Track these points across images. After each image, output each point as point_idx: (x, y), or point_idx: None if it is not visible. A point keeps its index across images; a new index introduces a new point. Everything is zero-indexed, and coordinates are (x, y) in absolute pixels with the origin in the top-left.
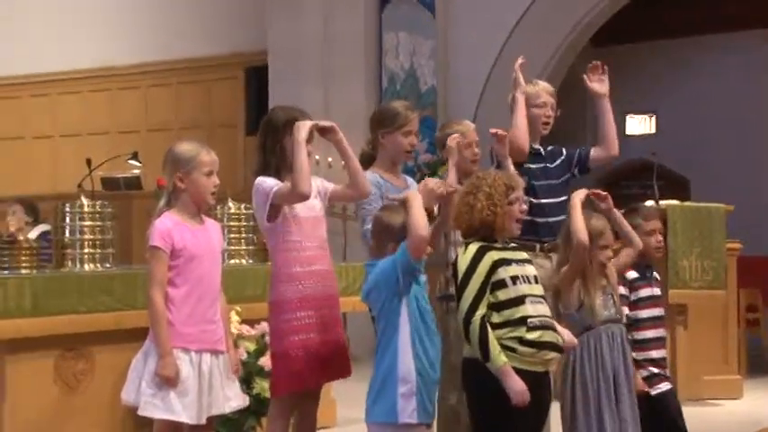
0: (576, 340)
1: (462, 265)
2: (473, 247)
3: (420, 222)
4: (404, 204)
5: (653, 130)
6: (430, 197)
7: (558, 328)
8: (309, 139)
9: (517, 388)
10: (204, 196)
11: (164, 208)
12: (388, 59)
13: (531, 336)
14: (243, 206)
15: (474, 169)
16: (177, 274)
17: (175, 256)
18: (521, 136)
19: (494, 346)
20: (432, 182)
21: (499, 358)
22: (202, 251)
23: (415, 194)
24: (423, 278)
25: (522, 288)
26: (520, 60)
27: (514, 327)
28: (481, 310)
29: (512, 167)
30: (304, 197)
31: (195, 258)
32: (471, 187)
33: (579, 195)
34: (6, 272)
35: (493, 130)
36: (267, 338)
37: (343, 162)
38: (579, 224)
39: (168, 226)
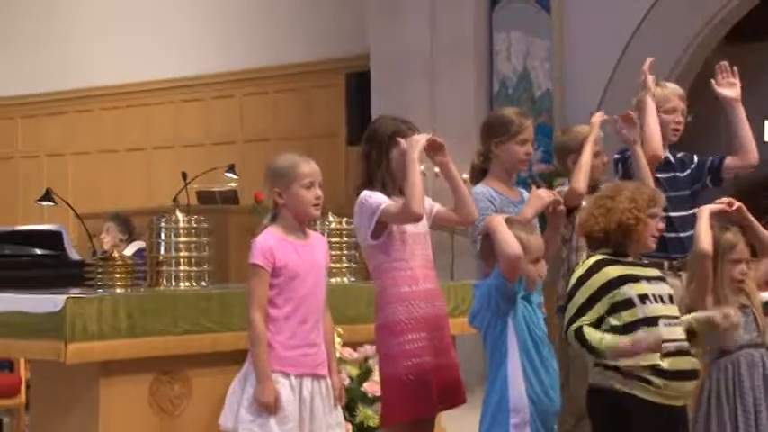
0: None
1: (575, 276)
2: (591, 260)
3: (507, 241)
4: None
5: None
6: (538, 205)
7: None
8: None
9: (651, 339)
10: (305, 210)
11: (267, 224)
12: (499, 62)
13: (667, 363)
14: (344, 221)
15: (601, 179)
16: (279, 294)
17: (277, 274)
18: (654, 142)
19: (594, 337)
20: (543, 191)
21: (609, 343)
22: (306, 268)
23: (494, 217)
24: (537, 298)
25: (655, 308)
26: (649, 60)
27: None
28: (582, 321)
29: (641, 155)
30: (417, 219)
31: (298, 276)
32: (610, 191)
33: (710, 205)
34: (101, 290)
35: (618, 117)
36: (371, 362)
37: (449, 185)
38: (702, 232)
39: (270, 243)
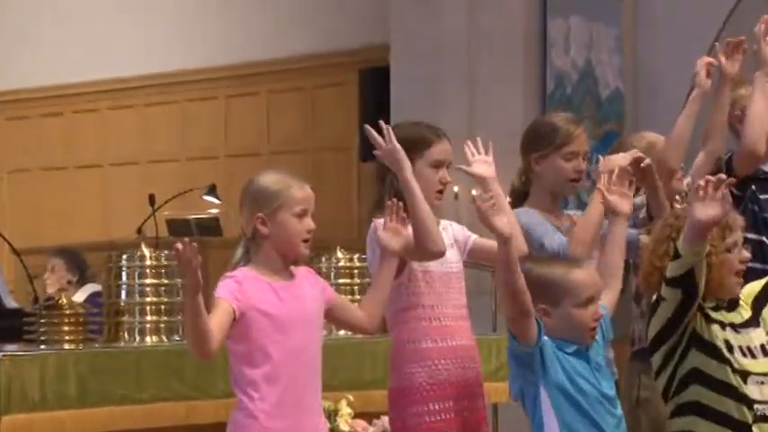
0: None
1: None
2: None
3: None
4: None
5: None
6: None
7: None
8: (442, 164)
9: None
10: (293, 245)
11: (240, 261)
12: (554, 55)
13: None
14: (356, 257)
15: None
16: (257, 349)
17: (248, 321)
18: (671, 147)
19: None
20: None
21: (685, 255)
22: (291, 316)
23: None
24: (599, 353)
25: (742, 362)
26: (706, 60)
27: None
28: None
29: (665, 202)
30: (437, 256)
31: (281, 327)
32: (668, 228)
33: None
34: (44, 347)
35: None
36: None
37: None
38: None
39: (239, 280)
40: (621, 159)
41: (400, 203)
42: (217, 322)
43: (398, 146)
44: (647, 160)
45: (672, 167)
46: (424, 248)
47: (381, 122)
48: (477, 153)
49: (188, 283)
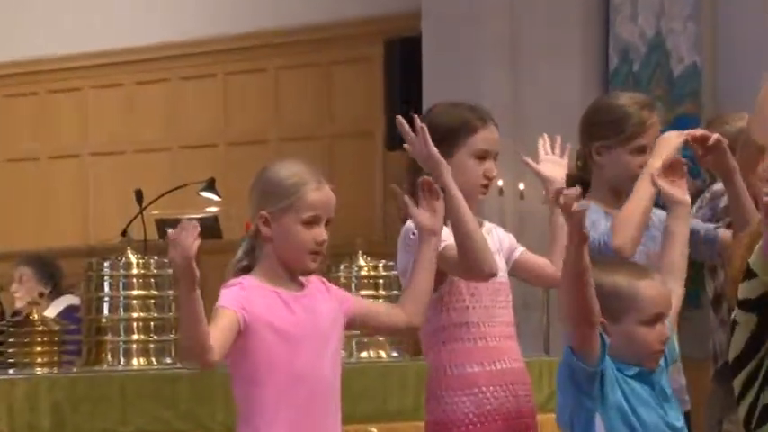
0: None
1: (732, 350)
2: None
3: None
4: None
5: None
6: (665, 152)
7: None
8: (488, 154)
9: None
10: (297, 256)
11: (242, 260)
12: (619, 23)
13: None
14: (381, 264)
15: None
16: (263, 369)
17: (254, 333)
18: (757, 120)
19: None
20: (672, 133)
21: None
22: (303, 331)
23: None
24: (663, 379)
25: None
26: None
27: None
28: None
29: (743, 191)
30: (486, 278)
31: (294, 343)
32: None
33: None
34: (12, 371)
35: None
36: None
37: (549, 225)
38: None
39: (244, 290)
40: (675, 138)
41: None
42: (220, 332)
43: (434, 151)
44: (715, 136)
45: (761, 144)
46: (471, 268)
47: (416, 119)
48: (550, 150)
49: (183, 274)
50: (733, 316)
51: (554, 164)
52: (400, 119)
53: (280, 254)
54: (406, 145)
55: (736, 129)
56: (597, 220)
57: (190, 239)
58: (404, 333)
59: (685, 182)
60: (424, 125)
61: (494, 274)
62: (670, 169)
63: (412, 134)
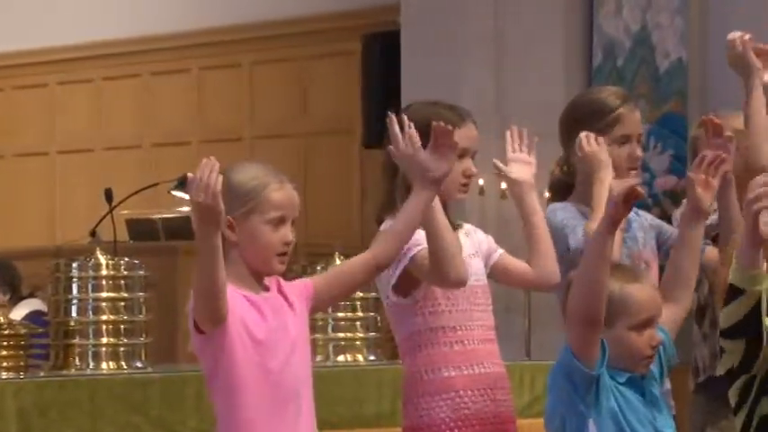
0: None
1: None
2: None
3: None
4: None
5: None
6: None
7: None
8: (467, 153)
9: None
10: (264, 259)
11: None
12: (602, 17)
13: None
14: None
15: None
16: (238, 373)
17: (233, 338)
18: (757, 145)
19: None
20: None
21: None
22: (274, 335)
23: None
24: (654, 385)
25: None
26: (739, 35)
27: None
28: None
29: (734, 200)
30: (456, 286)
31: (265, 345)
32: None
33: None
34: None
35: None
36: None
37: (523, 224)
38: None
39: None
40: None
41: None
42: None
43: (423, 156)
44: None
45: (757, 163)
46: (438, 274)
47: (405, 118)
48: (518, 148)
49: (210, 215)
50: (719, 345)
51: (522, 163)
52: (392, 116)
53: (247, 257)
54: (391, 147)
55: (731, 127)
56: (577, 227)
57: (213, 176)
58: (373, 275)
59: (714, 188)
60: (412, 124)
61: (462, 282)
62: (708, 167)
63: (400, 134)
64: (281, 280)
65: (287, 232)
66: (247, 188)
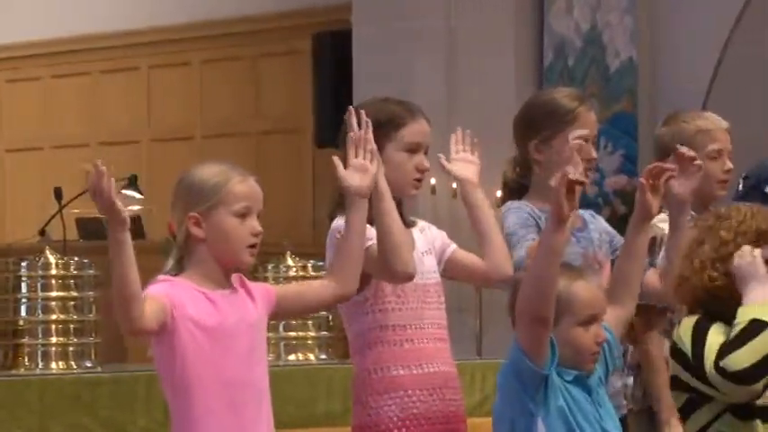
0: None
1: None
2: (688, 322)
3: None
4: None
5: None
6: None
7: None
8: (419, 147)
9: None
10: (233, 251)
11: (171, 272)
12: (553, 16)
13: None
14: (311, 264)
15: (719, 195)
16: (192, 371)
17: (178, 331)
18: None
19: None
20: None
21: None
22: (232, 330)
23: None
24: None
25: None
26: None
27: None
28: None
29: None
30: (404, 280)
31: (219, 341)
32: (702, 230)
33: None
34: None
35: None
36: None
37: (471, 221)
38: None
39: (172, 289)
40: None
41: (368, 136)
42: (149, 304)
43: (374, 147)
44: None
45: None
46: (391, 270)
47: (363, 114)
48: (461, 149)
49: (109, 215)
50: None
51: (465, 162)
52: (351, 109)
53: (215, 253)
54: (351, 134)
55: (694, 126)
56: (522, 240)
57: (104, 182)
58: (332, 305)
59: (660, 197)
60: (369, 120)
61: (410, 276)
62: (659, 176)
63: (357, 128)
64: (246, 280)
65: (254, 223)
66: (210, 184)
